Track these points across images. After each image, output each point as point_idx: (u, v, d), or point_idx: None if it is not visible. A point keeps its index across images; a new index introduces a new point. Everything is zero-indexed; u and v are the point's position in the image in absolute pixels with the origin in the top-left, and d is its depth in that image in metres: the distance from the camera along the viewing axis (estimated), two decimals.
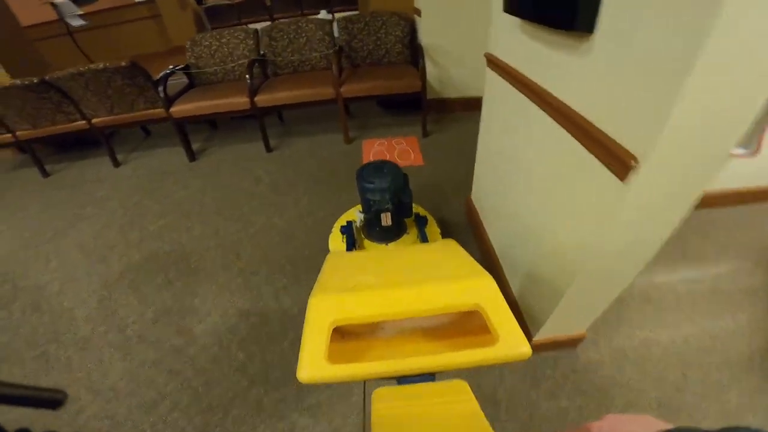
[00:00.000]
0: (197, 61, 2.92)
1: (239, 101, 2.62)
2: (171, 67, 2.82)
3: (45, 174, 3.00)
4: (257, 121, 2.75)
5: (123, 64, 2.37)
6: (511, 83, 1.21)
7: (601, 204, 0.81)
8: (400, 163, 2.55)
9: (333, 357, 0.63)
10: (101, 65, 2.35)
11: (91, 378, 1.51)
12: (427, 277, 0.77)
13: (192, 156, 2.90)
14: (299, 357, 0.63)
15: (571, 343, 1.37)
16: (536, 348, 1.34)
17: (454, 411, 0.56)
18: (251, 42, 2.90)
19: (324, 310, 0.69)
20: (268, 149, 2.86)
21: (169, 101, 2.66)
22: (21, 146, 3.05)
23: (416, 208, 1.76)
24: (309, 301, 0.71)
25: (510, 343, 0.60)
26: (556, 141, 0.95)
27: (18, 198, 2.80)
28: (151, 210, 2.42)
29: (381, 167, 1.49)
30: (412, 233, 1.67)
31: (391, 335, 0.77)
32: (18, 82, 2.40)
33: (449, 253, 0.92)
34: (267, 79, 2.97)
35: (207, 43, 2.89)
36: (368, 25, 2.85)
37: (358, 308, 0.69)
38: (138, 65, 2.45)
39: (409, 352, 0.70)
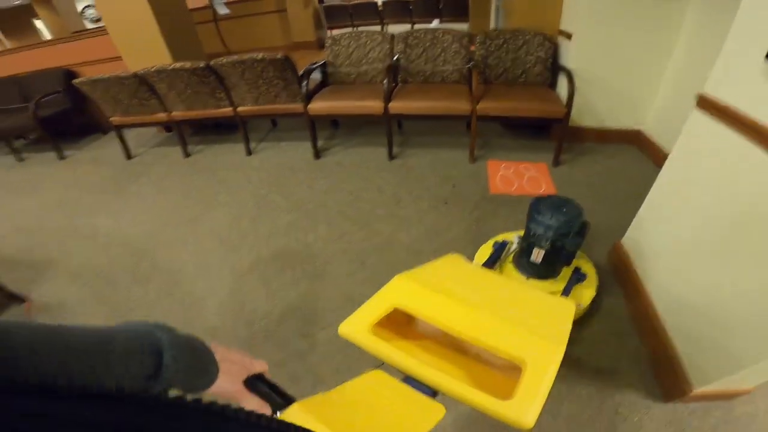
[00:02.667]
0: (335, 60, 2.92)
1: (373, 105, 2.56)
2: (313, 63, 2.85)
3: (186, 154, 3.22)
4: (380, 126, 2.67)
5: (278, 56, 2.41)
6: (750, 140, 0.98)
7: None
8: (531, 192, 2.31)
9: (385, 326, 0.68)
10: (260, 55, 2.41)
11: None
12: (506, 314, 0.74)
13: (317, 154, 2.91)
14: (353, 314, 0.68)
15: (731, 396, 1.20)
16: (691, 399, 1.21)
17: (402, 424, 0.56)
18: (387, 46, 2.83)
19: (397, 290, 0.74)
20: (391, 157, 2.78)
21: (308, 98, 2.67)
22: (168, 126, 3.32)
23: (582, 262, 1.58)
24: (396, 276, 0.76)
25: (519, 407, 0.56)
26: None
27: (162, 175, 3.02)
28: (279, 205, 2.45)
29: (563, 205, 1.34)
30: (561, 281, 1.48)
31: (444, 342, 0.77)
32: (188, 65, 2.55)
33: (553, 310, 0.85)
34: (396, 85, 2.88)
35: (345, 42, 2.87)
36: (507, 42, 2.63)
37: (423, 305, 0.71)
38: (290, 59, 2.48)
39: (432, 361, 0.71)
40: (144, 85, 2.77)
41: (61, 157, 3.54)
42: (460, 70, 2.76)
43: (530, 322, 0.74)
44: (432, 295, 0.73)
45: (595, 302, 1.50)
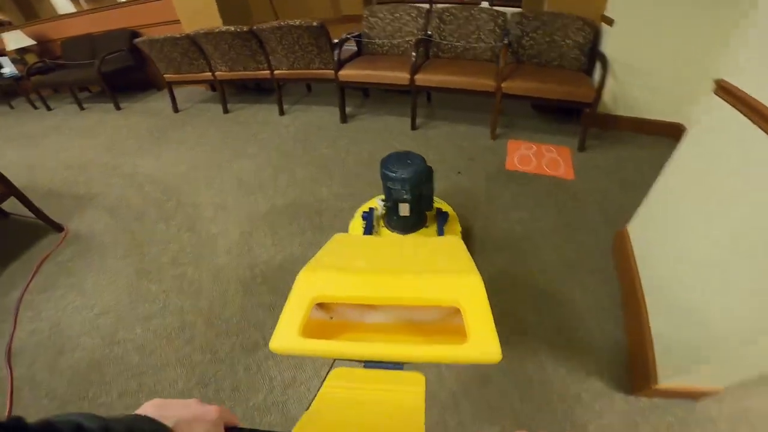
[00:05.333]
0: (369, 31, 2.94)
1: (400, 76, 2.55)
2: (347, 33, 2.88)
3: (226, 111, 3.38)
4: (408, 97, 2.66)
5: (314, 24, 2.46)
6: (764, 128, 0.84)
7: None
8: (547, 172, 2.22)
9: (314, 332, 0.63)
10: (297, 22, 2.48)
11: (212, 309, 1.56)
12: (417, 268, 0.74)
13: (344, 118, 2.96)
14: (276, 327, 0.61)
15: (698, 396, 1.10)
16: (655, 393, 1.13)
17: (398, 401, 0.54)
18: (422, 21, 2.80)
19: (308, 285, 0.68)
20: (413, 127, 2.77)
21: (339, 65, 2.71)
22: (213, 84, 3.49)
23: (439, 203, 1.69)
24: (298, 275, 0.69)
25: (480, 344, 0.56)
26: None
27: (202, 126, 3.19)
28: (301, 159, 2.52)
29: (405, 157, 1.43)
30: (432, 227, 1.60)
31: (378, 322, 0.73)
32: (232, 28, 2.67)
33: (450, 250, 0.86)
34: (428, 59, 2.85)
35: (382, 15, 2.87)
36: (545, 24, 2.51)
37: (341, 288, 0.67)
38: (325, 28, 2.53)
39: (382, 338, 0.67)
40: (194, 45, 2.92)
41: (118, 108, 3.82)
42: (493, 48, 2.68)
43: (439, 266, 0.74)
44: (344, 276, 0.70)
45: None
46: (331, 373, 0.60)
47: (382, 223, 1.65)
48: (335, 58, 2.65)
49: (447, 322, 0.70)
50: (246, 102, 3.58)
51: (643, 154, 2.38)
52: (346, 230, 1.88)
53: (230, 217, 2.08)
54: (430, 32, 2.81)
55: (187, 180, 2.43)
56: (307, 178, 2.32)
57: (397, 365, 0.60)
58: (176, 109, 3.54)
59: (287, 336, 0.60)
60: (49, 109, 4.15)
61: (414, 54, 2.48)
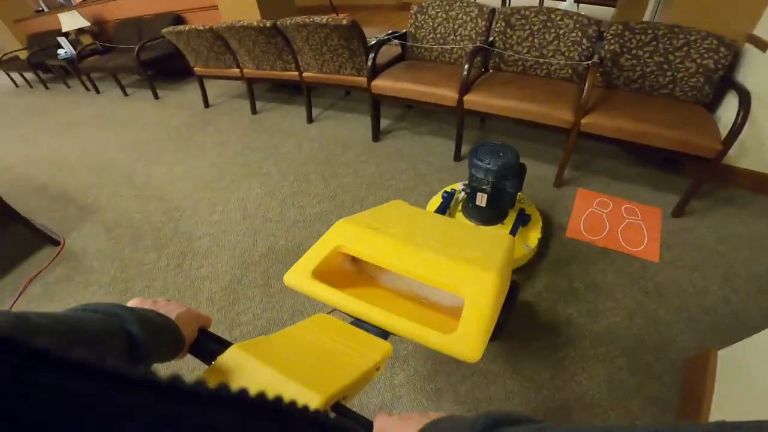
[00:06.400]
0: (416, 31, 2.39)
1: (445, 95, 2.01)
2: (387, 33, 2.36)
3: (254, 111, 3.06)
4: (455, 118, 2.12)
5: (344, 23, 1.99)
6: None
7: None
8: (623, 247, 1.61)
9: (336, 279, 0.66)
10: (324, 19, 2.02)
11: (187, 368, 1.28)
12: (445, 250, 0.72)
13: (377, 135, 2.49)
14: (296, 262, 0.67)
15: None
16: None
17: (347, 357, 0.53)
18: (483, 23, 2.19)
19: (338, 234, 0.72)
20: (457, 157, 2.23)
21: (375, 71, 2.23)
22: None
23: (526, 205, 1.61)
24: (337, 222, 0.75)
25: (464, 339, 0.56)
26: None
27: (225, 130, 2.90)
28: (316, 188, 2.12)
29: (500, 150, 1.37)
30: (508, 225, 1.51)
31: (393, 287, 0.76)
32: (255, 23, 2.28)
33: (491, 242, 0.83)
34: (486, 71, 2.26)
35: (433, 12, 2.30)
36: (659, 40, 1.80)
37: (364, 246, 0.70)
38: (357, 27, 2.04)
39: (380, 305, 0.64)
40: (219, 39, 2.59)
41: (156, 97, 3.68)
42: (576, 66, 2.02)
43: (468, 255, 0.71)
44: (373, 236, 0.72)
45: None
46: (313, 316, 0.63)
47: (459, 207, 1.62)
48: (369, 64, 2.17)
49: (459, 311, 0.67)
50: (278, 101, 3.24)
51: (764, 227, 1.66)
52: None
53: (224, 255, 1.77)
54: (492, 38, 2.20)
55: (192, 200, 2.15)
56: (317, 217, 1.93)
57: (383, 333, 0.61)
58: (207, 104, 3.30)
59: (300, 274, 0.65)
60: (98, 92, 4.16)
61: (467, 67, 1.92)
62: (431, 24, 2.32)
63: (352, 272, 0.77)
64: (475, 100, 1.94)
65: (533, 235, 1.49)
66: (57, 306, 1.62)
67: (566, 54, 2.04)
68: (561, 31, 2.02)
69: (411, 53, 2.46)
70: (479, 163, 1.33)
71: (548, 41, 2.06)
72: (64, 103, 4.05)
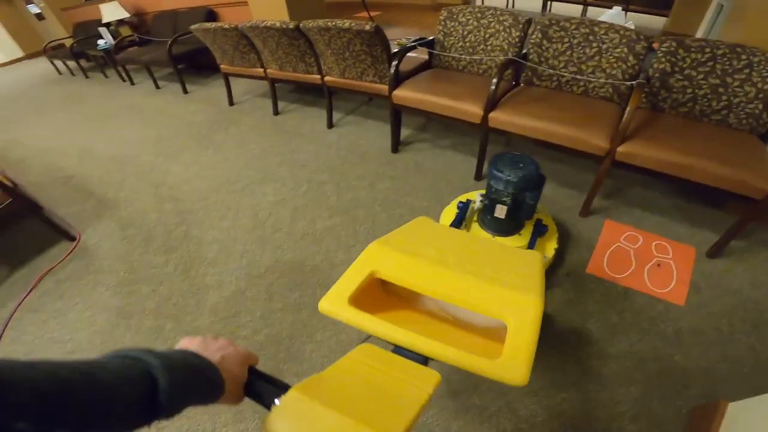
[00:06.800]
0: (444, 39, 2.26)
1: (469, 110, 1.88)
2: (413, 40, 2.25)
3: (276, 112, 3.03)
4: (480, 134, 1.99)
5: (366, 28, 1.89)
6: None
7: None
8: (648, 288, 1.45)
9: (367, 303, 0.65)
10: (346, 23, 1.93)
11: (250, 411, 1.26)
12: (483, 272, 0.70)
13: (396, 147, 2.39)
14: (330, 288, 0.65)
15: None
16: None
17: (401, 391, 0.53)
18: (516, 34, 2.03)
19: (373, 258, 0.70)
20: (478, 176, 2.10)
21: (398, 79, 2.12)
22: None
23: (542, 215, 1.57)
24: (370, 244, 0.72)
25: (511, 364, 0.55)
26: None
27: (246, 130, 2.88)
28: (328, 201, 2.05)
29: (519, 160, 1.34)
30: (525, 236, 1.48)
31: (430, 310, 0.75)
32: (278, 24, 2.22)
33: (525, 264, 0.81)
34: (516, 85, 2.11)
35: (463, 19, 2.16)
36: (717, 60, 1.59)
37: (401, 271, 0.69)
38: (381, 33, 1.94)
39: (418, 330, 0.62)
40: (244, 38, 2.56)
41: (185, 92, 3.73)
42: (618, 85, 1.84)
43: (505, 278, 0.70)
44: (408, 259, 0.71)
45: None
46: (359, 347, 0.61)
47: (475, 217, 1.57)
48: (391, 72, 2.06)
49: (495, 332, 0.69)
50: (301, 102, 3.19)
51: None
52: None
53: (230, 264, 1.75)
54: (526, 50, 2.04)
55: (205, 203, 2.14)
56: (328, 231, 1.86)
57: (421, 358, 0.59)
58: (231, 102, 3.31)
59: (336, 300, 0.63)
60: (132, 83, 4.27)
61: (495, 81, 1.78)
62: (461, 32, 2.18)
63: (380, 294, 0.74)
64: (501, 118, 1.81)
65: (550, 246, 1.49)
66: (65, 304, 1.64)
67: (608, 71, 1.86)
68: (604, 46, 1.85)
69: (438, 61, 2.34)
70: (499, 174, 1.30)
71: (588, 56, 1.89)
72: (100, 93, 4.19)
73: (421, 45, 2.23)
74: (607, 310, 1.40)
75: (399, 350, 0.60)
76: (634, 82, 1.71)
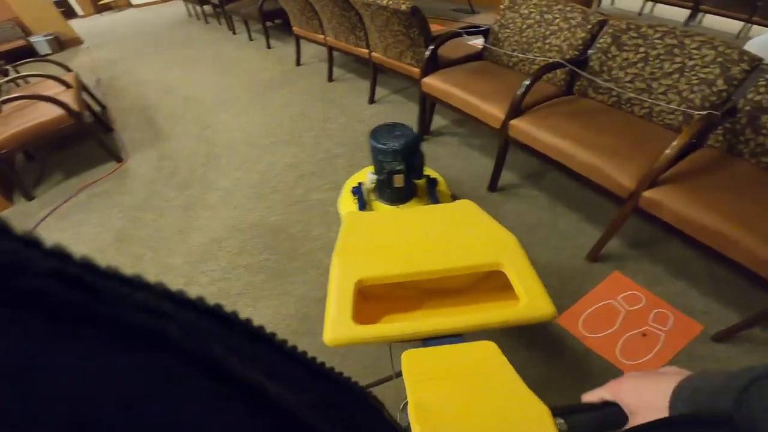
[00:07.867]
0: (499, 30, 1.99)
1: (489, 112, 1.67)
2: (470, 26, 2.03)
3: (330, 79, 3.08)
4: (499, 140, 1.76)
5: (402, 8, 1.76)
6: None
7: None
8: (617, 357, 1.15)
9: (365, 319, 0.60)
10: (386, 1, 1.82)
11: None
12: (447, 236, 0.72)
13: (422, 134, 2.29)
14: (325, 319, 0.58)
15: None
16: None
17: (487, 371, 0.50)
18: (581, 35, 1.69)
19: (348, 270, 0.66)
20: (492, 187, 1.87)
21: (436, 66, 1.96)
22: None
23: (426, 170, 1.60)
24: (332, 261, 0.68)
25: (534, 303, 0.56)
26: None
27: (298, 91, 2.99)
28: (335, 174, 2.05)
29: (393, 128, 1.41)
30: (423, 195, 1.58)
31: (411, 296, 0.72)
32: None
33: (467, 213, 0.82)
34: (570, 94, 1.79)
35: (526, 11, 1.87)
36: None
37: (382, 268, 0.65)
38: (418, 14, 1.79)
39: (433, 313, 0.65)
40: (308, 4, 2.60)
41: (269, 47, 3.98)
42: (692, 114, 1.43)
43: (468, 231, 0.70)
44: (378, 256, 0.68)
45: None
46: (403, 357, 0.53)
47: (373, 197, 1.61)
48: (427, 56, 1.90)
49: (480, 286, 0.69)
50: (357, 73, 3.17)
51: None
52: (308, 297, 1.48)
53: (223, 212, 1.89)
54: (587, 55, 1.70)
55: (232, 151, 2.32)
56: (319, 203, 1.87)
57: (457, 338, 0.56)
58: (299, 62, 3.44)
59: (341, 326, 0.57)
60: (234, 33, 4.69)
61: (526, 84, 1.53)
62: (519, 25, 1.90)
63: (364, 304, 0.69)
64: (521, 127, 1.56)
65: (446, 193, 1.63)
66: (86, 217, 1.92)
67: (684, 95, 1.46)
68: (690, 63, 1.44)
69: (489, 54, 2.09)
70: (384, 146, 1.34)
71: (665, 72, 1.50)
72: (207, 39, 4.70)
73: (469, 33, 2.00)
74: (556, 363, 1.18)
75: (430, 342, 0.56)
76: (702, 113, 1.31)
